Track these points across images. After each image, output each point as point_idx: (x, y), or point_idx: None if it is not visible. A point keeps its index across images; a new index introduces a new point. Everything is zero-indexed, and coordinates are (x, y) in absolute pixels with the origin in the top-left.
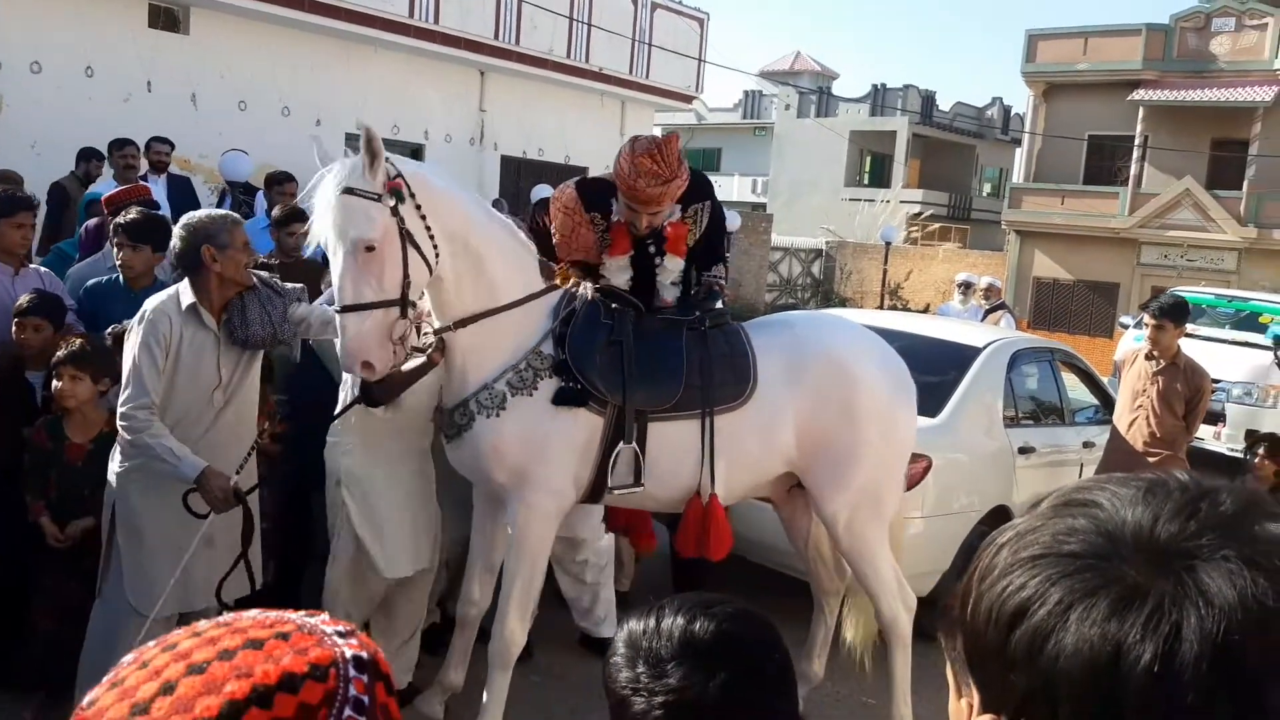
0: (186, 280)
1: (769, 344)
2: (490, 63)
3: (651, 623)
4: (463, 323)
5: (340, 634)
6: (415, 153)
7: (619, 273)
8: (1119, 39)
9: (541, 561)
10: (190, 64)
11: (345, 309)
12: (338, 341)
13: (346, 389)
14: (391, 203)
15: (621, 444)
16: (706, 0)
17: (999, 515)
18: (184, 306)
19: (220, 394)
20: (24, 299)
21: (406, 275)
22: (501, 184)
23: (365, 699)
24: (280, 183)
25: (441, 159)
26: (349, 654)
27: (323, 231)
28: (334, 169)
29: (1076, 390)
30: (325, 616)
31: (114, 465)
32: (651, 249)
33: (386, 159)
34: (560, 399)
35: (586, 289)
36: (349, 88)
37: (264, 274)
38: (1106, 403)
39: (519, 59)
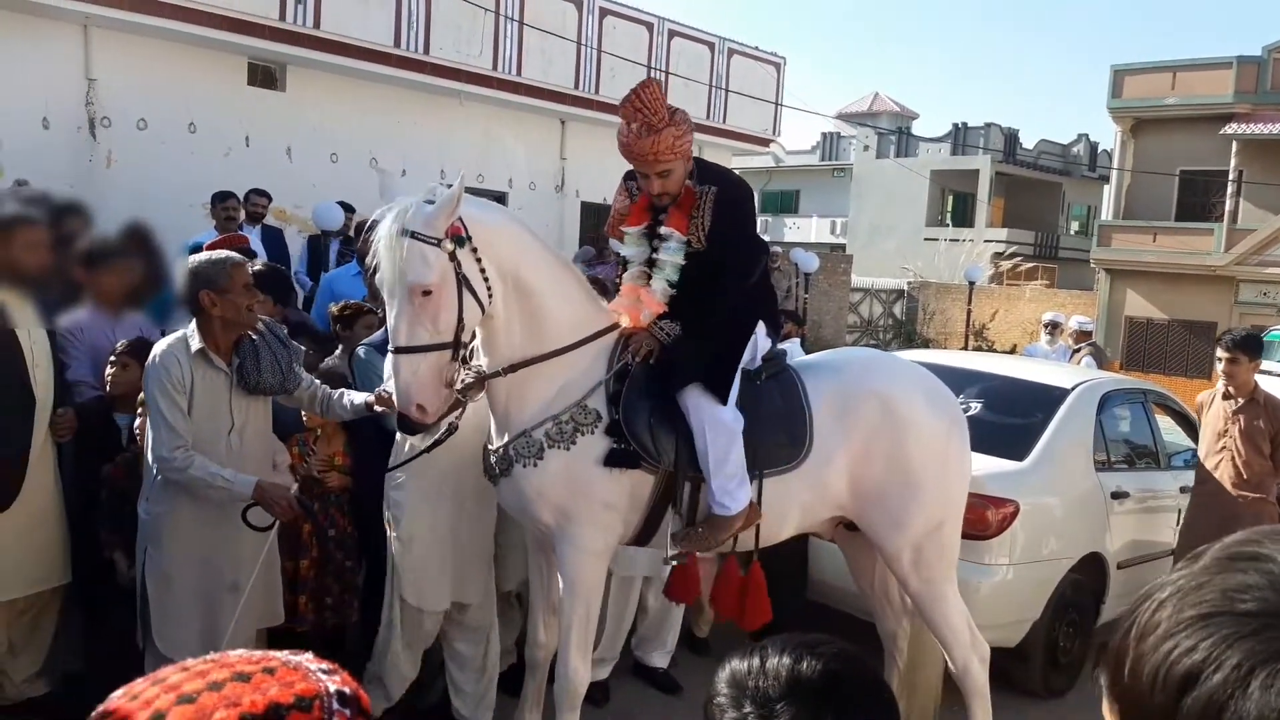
0: (194, 322)
1: (819, 390)
2: (571, 112)
3: (756, 662)
4: (512, 368)
5: (324, 671)
6: (499, 200)
7: (633, 245)
8: (1209, 72)
9: (596, 599)
10: (285, 119)
11: (399, 350)
12: (390, 383)
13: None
14: (450, 248)
15: (671, 511)
16: (784, 44)
17: (1092, 563)
18: (193, 350)
19: (236, 437)
20: (120, 343)
21: (461, 319)
22: (581, 230)
23: None
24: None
25: (525, 206)
26: (333, 689)
27: (380, 270)
28: (396, 207)
29: (1173, 434)
30: (309, 655)
31: (143, 510)
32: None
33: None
34: (611, 461)
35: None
36: (435, 138)
37: (268, 319)
38: None
39: (599, 107)
